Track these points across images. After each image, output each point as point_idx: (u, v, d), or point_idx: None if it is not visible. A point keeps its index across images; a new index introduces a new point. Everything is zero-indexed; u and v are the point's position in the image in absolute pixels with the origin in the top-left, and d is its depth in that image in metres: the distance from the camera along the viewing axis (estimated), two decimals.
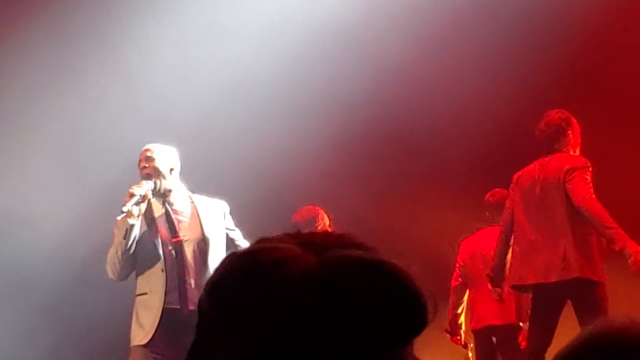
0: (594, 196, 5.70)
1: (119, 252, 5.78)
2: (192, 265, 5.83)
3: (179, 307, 5.73)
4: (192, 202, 5.97)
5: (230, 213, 6.04)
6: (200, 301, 1.10)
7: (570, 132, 5.88)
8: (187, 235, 5.82)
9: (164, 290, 5.79)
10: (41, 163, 8.21)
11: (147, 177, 5.76)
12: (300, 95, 8.18)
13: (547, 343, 5.71)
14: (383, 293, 1.03)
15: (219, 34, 8.34)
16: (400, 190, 8.51)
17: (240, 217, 6.07)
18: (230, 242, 6.04)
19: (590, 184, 5.70)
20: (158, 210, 5.82)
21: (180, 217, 5.88)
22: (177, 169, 5.90)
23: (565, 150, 5.84)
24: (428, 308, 1.05)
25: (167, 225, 5.84)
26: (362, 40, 8.33)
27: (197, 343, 1.09)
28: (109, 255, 5.88)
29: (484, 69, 8.12)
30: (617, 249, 5.56)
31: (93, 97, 8.28)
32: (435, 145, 8.33)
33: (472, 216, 7.27)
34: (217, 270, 1.11)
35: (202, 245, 5.83)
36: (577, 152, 5.90)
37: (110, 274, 5.90)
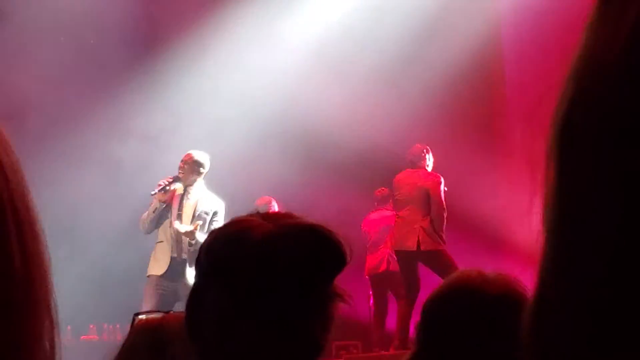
0: (444, 204, 7.98)
1: (149, 218, 7.65)
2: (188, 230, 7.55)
3: (175, 255, 7.55)
4: (203, 194, 7.67)
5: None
6: (197, 258, 1.52)
7: (426, 157, 8.31)
8: (187, 211, 7.64)
9: (173, 240, 7.56)
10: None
11: (180, 175, 7.57)
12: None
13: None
14: (316, 243, 1.45)
15: None
16: (320, 183, 10.43)
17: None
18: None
19: (443, 194, 8.10)
20: (179, 190, 7.65)
21: (189, 201, 7.63)
22: (204, 171, 7.65)
23: (423, 167, 8.26)
24: (346, 251, 1.46)
25: (179, 203, 7.64)
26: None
27: (197, 284, 1.51)
28: (142, 217, 7.69)
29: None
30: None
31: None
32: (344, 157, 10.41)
33: (367, 203, 9.65)
34: (208, 237, 1.54)
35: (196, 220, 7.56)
36: (430, 169, 8.27)
37: (141, 228, 7.75)
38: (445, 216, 8.10)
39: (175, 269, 7.58)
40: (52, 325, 0.68)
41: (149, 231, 7.80)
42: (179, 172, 7.71)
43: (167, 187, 7.65)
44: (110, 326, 8.54)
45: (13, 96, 9.08)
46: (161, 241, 7.72)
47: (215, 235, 1.53)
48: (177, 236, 7.62)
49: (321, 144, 10.38)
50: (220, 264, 1.48)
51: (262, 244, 1.44)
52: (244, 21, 10.54)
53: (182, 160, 7.73)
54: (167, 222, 7.72)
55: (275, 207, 8.48)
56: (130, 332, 2.09)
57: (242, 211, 1.58)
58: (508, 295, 1.68)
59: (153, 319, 2.04)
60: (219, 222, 7.46)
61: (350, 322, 9.40)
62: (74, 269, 8.55)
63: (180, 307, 1.95)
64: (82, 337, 9.03)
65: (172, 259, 7.62)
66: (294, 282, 1.44)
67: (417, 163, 8.31)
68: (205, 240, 1.54)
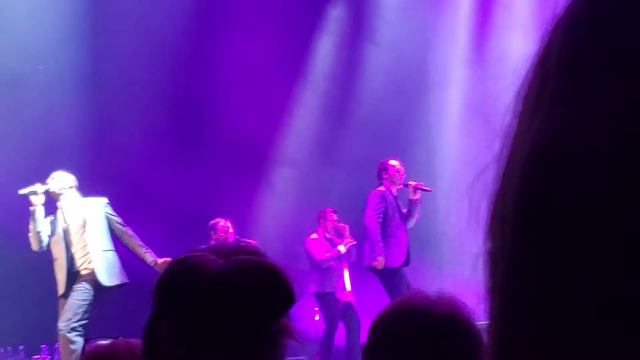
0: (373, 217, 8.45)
1: (32, 230, 7.64)
2: (77, 240, 7.64)
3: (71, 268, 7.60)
4: (80, 201, 7.75)
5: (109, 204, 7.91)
6: (152, 290, 1.55)
7: (384, 173, 8.66)
8: (72, 222, 7.67)
9: (65, 257, 7.59)
10: None
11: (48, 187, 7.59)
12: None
13: None
14: (266, 281, 1.50)
15: None
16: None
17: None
18: (113, 222, 7.82)
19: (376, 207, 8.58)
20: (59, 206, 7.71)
21: (68, 211, 7.67)
22: (73, 185, 7.75)
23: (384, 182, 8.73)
24: (295, 289, 1.53)
25: (63, 216, 7.67)
26: None
27: (152, 315, 1.54)
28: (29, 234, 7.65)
29: None
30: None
31: None
32: None
33: None
34: (163, 271, 1.58)
35: (83, 226, 7.67)
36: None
37: (33, 247, 7.70)
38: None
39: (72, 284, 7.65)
40: None
41: (38, 247, 7.77)
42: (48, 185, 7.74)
43: (37, 191, 7.61)
44: (56, 345, 8.40)
45: None
46: (56, 259, 7.74)
47: (169, 269, 1.56)
48: (68, 249, 7.65)
49: None
50: (172, 298, 1.52)
51: (213, 280, 1.48)
52: None
53: (50, 177, 7.76)
54: (56, 237, 7.73)
55: (229, 229, 8.84)
56: (82, 359, 2.13)
57: None
58: (452, 317, 1.71)
59: (102, 346, 2.07)
60: (113, 212, 7.88)
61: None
62: (28, 286, 8.54)
63: None
64: (33, 356, 9.02)
65: (67, 275, 7.65)
66: (244, 317, 1.48)
67: None
68: (160, 274, 1.57)
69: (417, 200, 8.63)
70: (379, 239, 8.43)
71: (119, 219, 7.93)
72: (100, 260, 7.68)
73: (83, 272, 7.63)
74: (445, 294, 1.76)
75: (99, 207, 7.82)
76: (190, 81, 11.25)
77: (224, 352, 1.47)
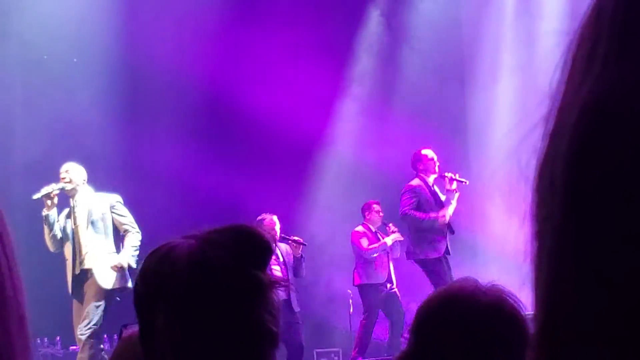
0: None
1: (47, 235, 7.53)
2: (85, 241, 7.49)
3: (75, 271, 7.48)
4: (90, 198, 7.56)
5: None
6: (135, 281, 1.61)
7: (419, 164, 8.73)
8: (82, 222, 7.50)
9: (72, 257, 7.47)
10: None
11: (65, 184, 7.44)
12: None
13: None
14: (239, 240, 1.54)
15: None
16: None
17: None
18: (118, 223, 7.59)
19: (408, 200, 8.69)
20: (71, 203, 7.57)
21: (79, 210, 7.52)
22: (85, 179, 7.60)
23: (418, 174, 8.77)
24: (269, 239, 1.57)
25: (74, 215, 7.54)
26: None
27: (143, 314, 1.56)
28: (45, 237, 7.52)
29: None
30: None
31: None
32: None
33: None
34: (144, 260, 1.60)
35: (91, 226, 7.47)
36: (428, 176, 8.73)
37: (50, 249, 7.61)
38: None
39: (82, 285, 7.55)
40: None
41: (55, 249, 7.69)
42: (64, 182, 7.59)
43: (52, 192, 7.46)
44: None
45: None
46: (67, 259, 7.62)
47: (144, 264, 1.58)
48: (76, 249, 7.52)
49: None
50: (155, 289, 1.54)
51: (190, 259, 1.51)
52: None
53: (64, 171, 7.61)
54: (66, 237, 7.61)
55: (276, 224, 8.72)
56: (118, 344, 2.14)
57: None
58: (500, 305, 1.72)
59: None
60: (122, 212, 7.63)
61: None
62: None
63: None
64: (71, 347, 9.14)
65: (73, 276, 7.57)
66: (229, 281, 1.50)
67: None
68: (140, 268, 1.61)
69: (454, 190, 8.65)
70: (423, 217, 8.56)
71: (125, 220, 7.68)
72: (101, 263, 7.50)
73: (89, 275, 7.50)
74: (495, 284, 1.77)
75: (107, 206, 7.60)
76: (228, 77, 11.27)
77: (222, 319, 1.49)
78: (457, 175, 8.69)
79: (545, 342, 0.57)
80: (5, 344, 0.69)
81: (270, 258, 1.56)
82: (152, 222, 8.05)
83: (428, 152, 8.77)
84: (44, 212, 7.48)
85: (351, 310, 9.96)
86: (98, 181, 8.01)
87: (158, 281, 1.53)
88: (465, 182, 8.75)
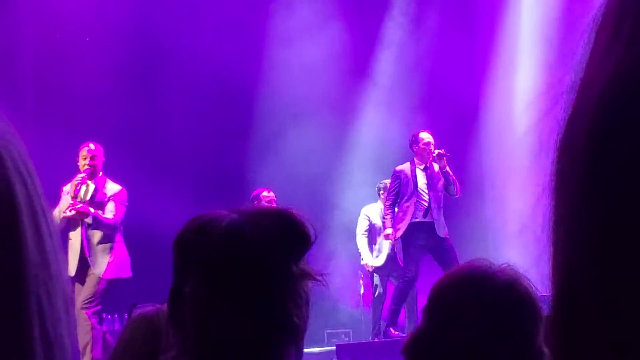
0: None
1: (59, 216, 7.32)
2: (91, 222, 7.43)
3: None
4: (103, 185, 7.54)
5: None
6: (173, 243, 1.56)
7: (415, 146, 8.58)
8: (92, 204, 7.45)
9: (79, 241, 7.39)
10: None
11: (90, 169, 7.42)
12: None
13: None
14: (281, 226, 1.52)
15: None
16: None
17: None
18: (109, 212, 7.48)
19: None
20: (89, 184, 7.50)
21: (93, 194, 7.44)
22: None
23: (415, 155, 8.67)
24: (311, 231, 1.53)
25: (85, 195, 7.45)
26: None
27: (174, 277, 1.56)
28: (54, 212, 6.98)
29: None
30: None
31: None
32: None
33: None
34: (182, 229, 1.58)
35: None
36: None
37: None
38: None
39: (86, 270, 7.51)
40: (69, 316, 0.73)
41: (60, 225, 7.46)
42: (87, 167, 7.56)
43: (80, 187, 7.45)
44: (109, 316, 8.61)
45: None
46: (70, 239, 7.51)
47: (184, 228, 1.57)
48: (81, 234, 7.46)
49: None
50: (189, 255, 1.53)
51: (228, 232, 1.50)
52: None
53: (89, 157, 7.57)
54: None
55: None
56: (128, 323, 2.16)
57: None
58: (514, 285, 1.72)
59: (149, 310, 2.09)
60: (120, 200, 7.57)
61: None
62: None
63: None
64: None
65: (80, 259, 7.47)
66: (259, 263, 1.49)
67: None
68: (177, 234, 1.58)
69: (442, 166, 8.49)
70: (386, 216, 8.69)
71: (111, 216, 7.56)
72: (98, 252, 7.48)
73: (90, 261, 7.47)
74: (509, 264, 1.77)
75: (110, 196, 7.57)
76: (249, 76, 11.29)
77: (247, 302, 1.48)
78: (442, 150, 8.48)
79: (561, 321, 0.56)
80: (53, 322, 0.67)
81: (307, 251, 1.54)
82: (163, 202, 8.06)
83: (425, 136, 8.61)
84: (68, 214, 7.37)
85: (361, 291, 9.93)
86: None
87: (193, 246, 1.52)
88: (448, 155, 8.51)
